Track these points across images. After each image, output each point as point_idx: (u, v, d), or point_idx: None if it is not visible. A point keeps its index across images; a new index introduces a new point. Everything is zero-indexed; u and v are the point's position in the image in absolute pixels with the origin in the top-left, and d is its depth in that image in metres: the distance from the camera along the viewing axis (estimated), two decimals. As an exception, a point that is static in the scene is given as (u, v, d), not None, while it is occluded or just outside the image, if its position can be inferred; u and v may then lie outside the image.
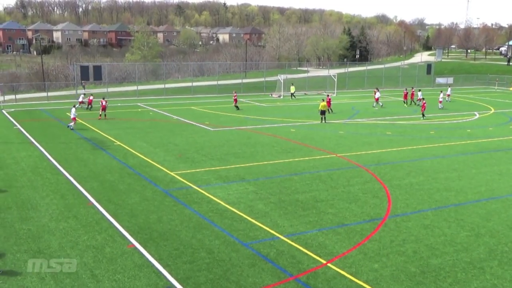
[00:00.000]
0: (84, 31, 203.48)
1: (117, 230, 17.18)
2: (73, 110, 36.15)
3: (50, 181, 22.81)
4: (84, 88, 60.84)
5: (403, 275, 14.44)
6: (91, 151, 29.15)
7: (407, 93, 55.35)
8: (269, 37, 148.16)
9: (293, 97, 59.12)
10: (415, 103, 54.69)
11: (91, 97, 46.79)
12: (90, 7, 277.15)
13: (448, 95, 57.75)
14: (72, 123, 35.72)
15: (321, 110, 41.04)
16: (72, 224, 17.65)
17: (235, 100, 49.03)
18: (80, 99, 47.88)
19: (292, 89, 59.40)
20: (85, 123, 38.32)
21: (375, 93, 52.55)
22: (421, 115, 44.77)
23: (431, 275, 14.49)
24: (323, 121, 40.98)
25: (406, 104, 54.81)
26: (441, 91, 56.00)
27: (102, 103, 41.34)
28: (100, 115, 41.04)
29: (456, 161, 28.72)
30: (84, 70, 55.33)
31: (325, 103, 41.82)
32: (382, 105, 52.73)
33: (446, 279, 14.30)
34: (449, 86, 63.40)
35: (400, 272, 14.66)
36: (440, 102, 52.85)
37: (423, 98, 49.08)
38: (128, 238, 16.46)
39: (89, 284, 13.49)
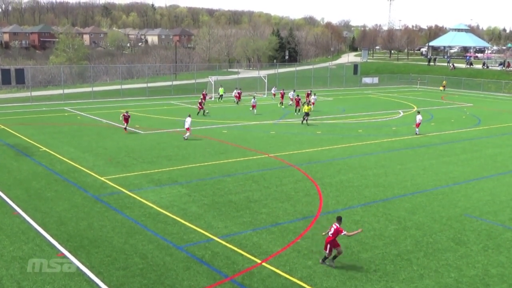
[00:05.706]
0: (4, 32, 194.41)
1: (45, 239, 16.56)
2: (189, 120, 33.96)
3: (-29, 191, 21.65)
4: None
5: (335, 271, 14.82)
6: (14, 158, 27.89)
7: (283, 94, 54.84)
8: (199, 39, 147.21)
9: (221, 99, 58.74)
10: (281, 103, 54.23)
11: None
12: (10, 8, 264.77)
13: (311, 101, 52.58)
14: (187, 134, 33.92)
15: (305, 112, 41.56)
16: (-4, 235, 16.86)
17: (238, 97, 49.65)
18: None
19: (221, 91, 59.32)
20: (7, 129, 36.60)
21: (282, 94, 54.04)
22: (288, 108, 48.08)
23: (362, 269, 14.98)
24: (305, 122, 41.41)
25: (281, 104, 54.16)
26: (311, 91, 56.17)
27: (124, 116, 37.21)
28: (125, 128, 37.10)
29: (383, 158, 29.81)
30: (5, 73, 52.80)
31: (310, 106, 42.45)
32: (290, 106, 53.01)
33: (376, 272, 14.82)
34: (310, 92, 55.99)
35: (332, 267, 15.03)
36: (313, 103, 52.84)
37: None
38: (57, 247, 15.91)
39: (16, 296, 12.95)
